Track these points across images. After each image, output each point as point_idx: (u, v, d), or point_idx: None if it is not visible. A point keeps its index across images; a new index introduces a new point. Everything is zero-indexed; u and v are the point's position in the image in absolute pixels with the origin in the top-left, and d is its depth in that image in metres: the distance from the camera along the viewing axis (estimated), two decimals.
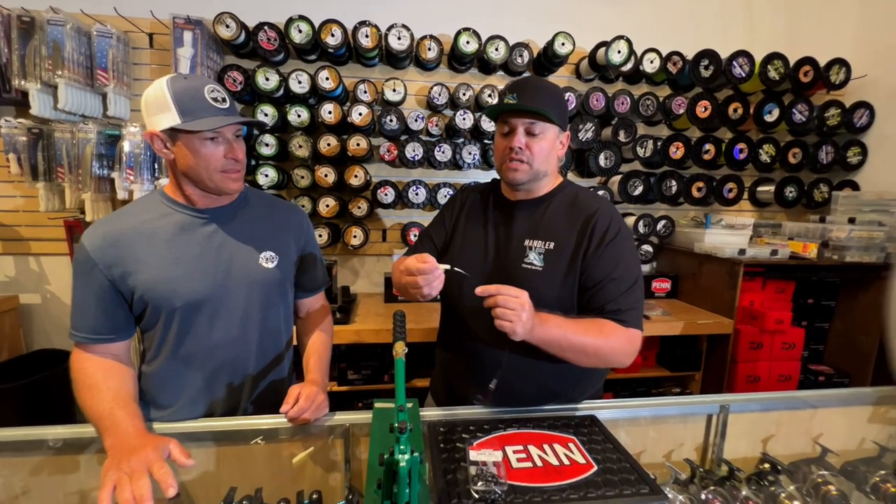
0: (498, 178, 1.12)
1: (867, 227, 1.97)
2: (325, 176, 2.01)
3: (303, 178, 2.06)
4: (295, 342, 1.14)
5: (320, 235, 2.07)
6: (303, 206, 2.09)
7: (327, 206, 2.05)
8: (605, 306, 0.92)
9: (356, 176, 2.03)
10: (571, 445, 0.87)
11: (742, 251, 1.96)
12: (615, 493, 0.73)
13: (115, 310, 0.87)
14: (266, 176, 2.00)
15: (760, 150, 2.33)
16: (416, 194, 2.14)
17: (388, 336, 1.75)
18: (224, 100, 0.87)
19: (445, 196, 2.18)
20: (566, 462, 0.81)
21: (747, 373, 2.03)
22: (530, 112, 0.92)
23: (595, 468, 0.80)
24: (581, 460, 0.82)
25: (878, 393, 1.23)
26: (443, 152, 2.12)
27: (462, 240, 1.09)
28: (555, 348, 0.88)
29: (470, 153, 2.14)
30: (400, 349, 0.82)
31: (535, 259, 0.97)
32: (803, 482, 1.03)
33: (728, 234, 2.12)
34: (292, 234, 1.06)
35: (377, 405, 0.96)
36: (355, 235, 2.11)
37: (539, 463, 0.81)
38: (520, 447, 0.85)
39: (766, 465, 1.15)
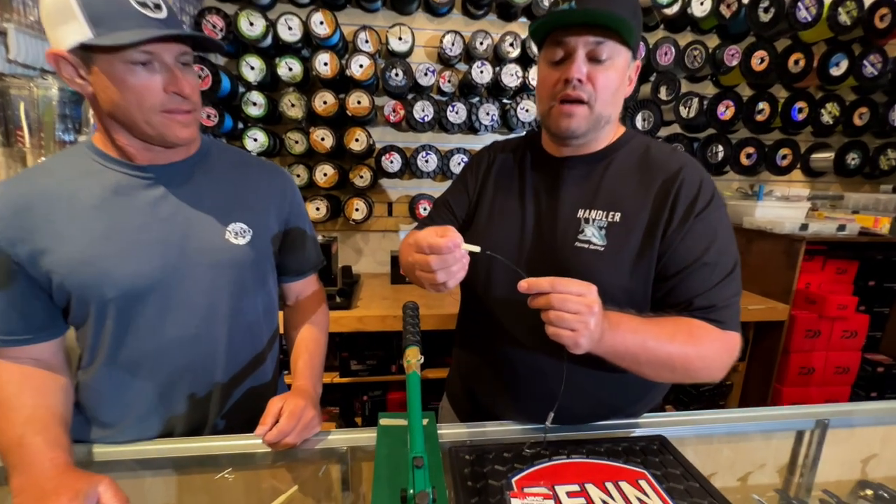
0: (535, 130, 0.86)
1: None
2: (322, 140, 1.75)
3: (297, 142, 1.80)
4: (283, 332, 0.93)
5: (318, 209, 1.83)
6: (297, 175, 1.84)
7: (325, 174, 1.80)
8: (693, 301, 0.68)
9: (357, 140, 1.77)
10: (644, 483, 0.64)
11: (804, 226, 1.69)
12: None
13: (27, 301, 0.65)
14: (255, 140, 1.75)
15: (822, 110, 2.02)
16: (426, 161, 1.88)
17: (395, 323, 1.53)
18: (158, 6, 0.61)
19: (459, 164, 1.91)
20: None
21: (800, 364, 1.80)
22: (598, 25, 0.65)
23: None
24: None
25: None
26: (456, 113, 1.84)
27: (490, 211, 0.84)
28: (628, 361, 0.64)
29: (488, 114, 1.86)
30: (414, 359, 0.59)
31: (593, 235, 0.72)
32: None
33: (784, 207, 1.84)
34: (272, 202, 0.82)
35: (382, 422, 0.74)
36: (357, 208, 1.86)
37: None
38: (575, 487, 0.63)
39: (868, 493, 0.93)
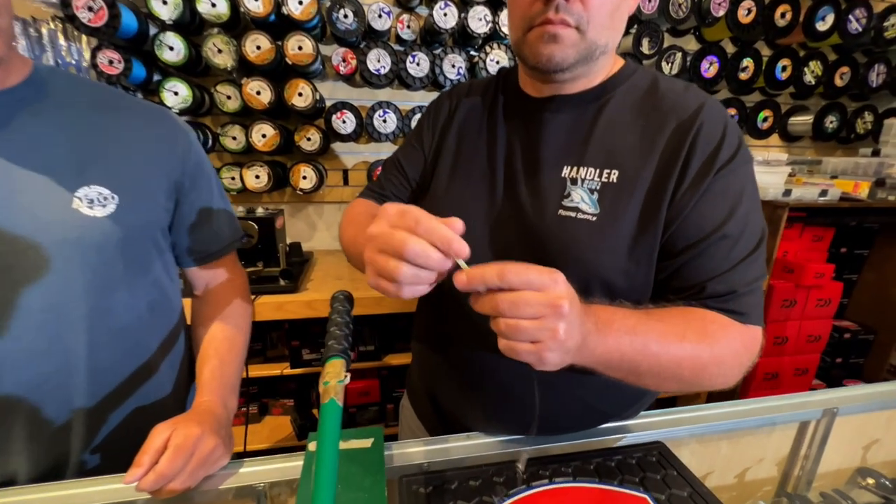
0: (509, 66, 0.67)
1: None
2: (258, 94, 1.48)
3: (229, 98, 1.52)
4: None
5: (257, 177, 1.58)
6: (233, 137, 1.57)
7: (264, 136, 1.54)
8: (706, 285, 0.52)
9: (301, 94, 1.51)
10: None
11: (787, 192, 1.60)
12: None
13: None
14: (175, 94, 1.46)
15: (805, 69, 1.91)
16: (384, 122, 1.65)
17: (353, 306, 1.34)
18: None
19: None
20: None
21: (775, 334, 1.77)
22: None
23: None
24: None
25: None
26: (417, 64, 1.60)
27: (451, 172, 0.65)
28: (624, 371, 0.48)
29: (453, 66, 1.63)
30: (334, 379, 0.41)
31: (582, 200, 0.54)
32: None
33: (765, 173, 1.74)
34: (156, 159, 0.60)
35: (311, 447, 0.57)
36: (305, 176, 1.62)
37: None
38: None
39: (870, 481, 0.85)
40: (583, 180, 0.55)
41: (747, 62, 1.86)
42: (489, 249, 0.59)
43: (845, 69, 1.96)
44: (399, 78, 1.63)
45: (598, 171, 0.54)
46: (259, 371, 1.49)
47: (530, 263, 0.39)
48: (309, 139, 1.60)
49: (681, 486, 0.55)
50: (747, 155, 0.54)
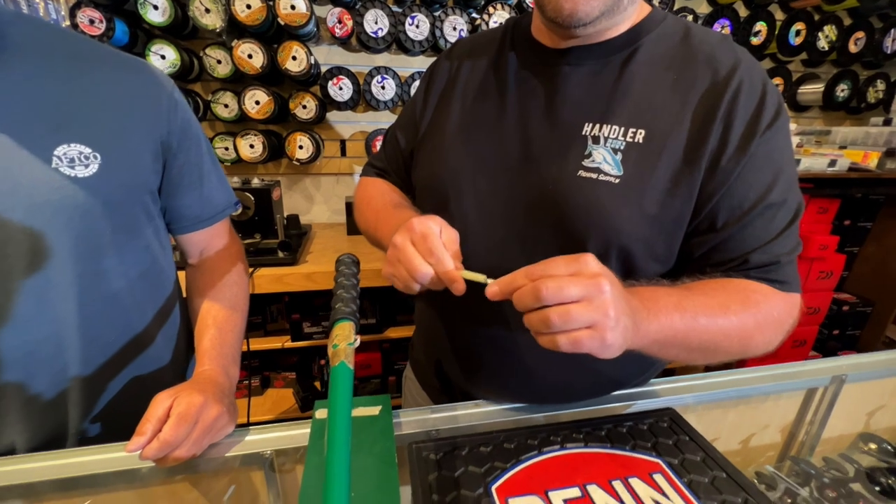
0: (518, 16, 0.62)
1: None
2: (250, 57, 1.40)
3: (219, 62, 1.45)
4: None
5: (252, 146, 1.52)
6: (225, 104, 1.51)
7: (257, 102, 1.48)
8: (749, 257, 0.50)
9: (295, 58, 1.44)
10: (659, 478, 0.50)
11: (797, 162, 1.57)
12: None
13: None
14: (162, 58, 1.38)
15: (820, 34, 1.84)
16: (382, 88, 1.58)
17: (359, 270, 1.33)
18: None
19: None
20: None
21: None
22: None
23: None
24: None
25: None
26: (416, 27, 1.52)
27: (459, 133, 0.60)
28: (676, 349, 0.47)
29: (455, 28, 1.55)
30: (344, 341, 0.39)
31: (605, 161, 0.51)
32: None
33: None
34: (140, 116, 0.55)
35: (318, 414, 0.55)
36: (301, 146, 1.57)
37: None
38: (574, 493, 0.48)
39: (872, 446, 0.86)
40: (605, 139, 0.51)
41: (760, 26, 1.79)
42: (503, 215, 0.56)
43: (860, 34, 1.89)
44: (398, 42, 1.56)
45: (622, 129, 0.51)
46: (260, 345, 1.49)
47: (556, 256, 0.39)
48: (304, 107, 1.54)
49: (693, 451, 0.54)
50: (787, 115, 0.51)
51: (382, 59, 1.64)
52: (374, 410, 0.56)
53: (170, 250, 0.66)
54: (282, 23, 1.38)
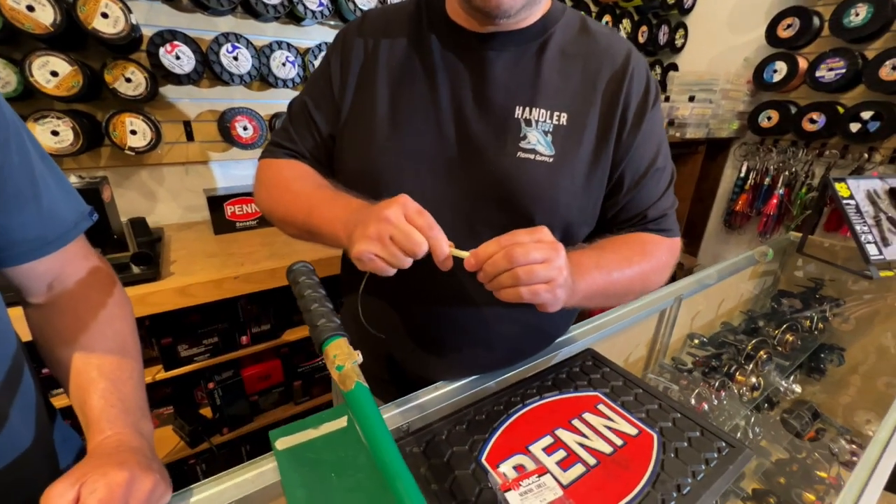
0: None
1: (701, 105, 2.18)
2: (30, 10, 1.02)
3: None
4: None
5: (56, 133, 1.14)
6: (6, 83, 1.08)
7: (54, 74, 1.10)
8: (647, 213, 0.62)
9: (105, 14, 1.10)
10: (602, 407, 0.61)
11: None
12: (705, 470, 0.51)
13: None
14: None
15: (620, 26, 2.27)
16: (235, 59, 1.36)
17: (235, 287, 1.16)
18: None
19: (285, 63, 1.45)
20: (617, 441, 0.55)
21: None
22: None
23: (655, 436, 0.56)
24: (630, 429, 0.57)
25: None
26: None
27: (390, 117, 0.58)
28: (597, 300, 0.58)
29: None
30: (348, 361, 0.36)
31: (538, 142, 0.56)
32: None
33: None
34: None
35: (279, 444, 0.50)
36: (134, 130, 1.25)
37: (590, 459, 0.52)
38: (548, 440, 0.55)
39: (695, 342, 1.18)
40: (536, 122, 0.56)
41: None
42: (445, 195, 0.57)
43: (644, 28, 2.40)
44: (246, 3, 1.34)
45: (549, 112, 0.57)
46: None
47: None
48: (129, 80, 1.21)
49: (616, 378, 0.67)
50: (660, 94, 0.64)
51: (226, 25, 1.39)
52: (341, 423, 0.53)
53: None
54: None
